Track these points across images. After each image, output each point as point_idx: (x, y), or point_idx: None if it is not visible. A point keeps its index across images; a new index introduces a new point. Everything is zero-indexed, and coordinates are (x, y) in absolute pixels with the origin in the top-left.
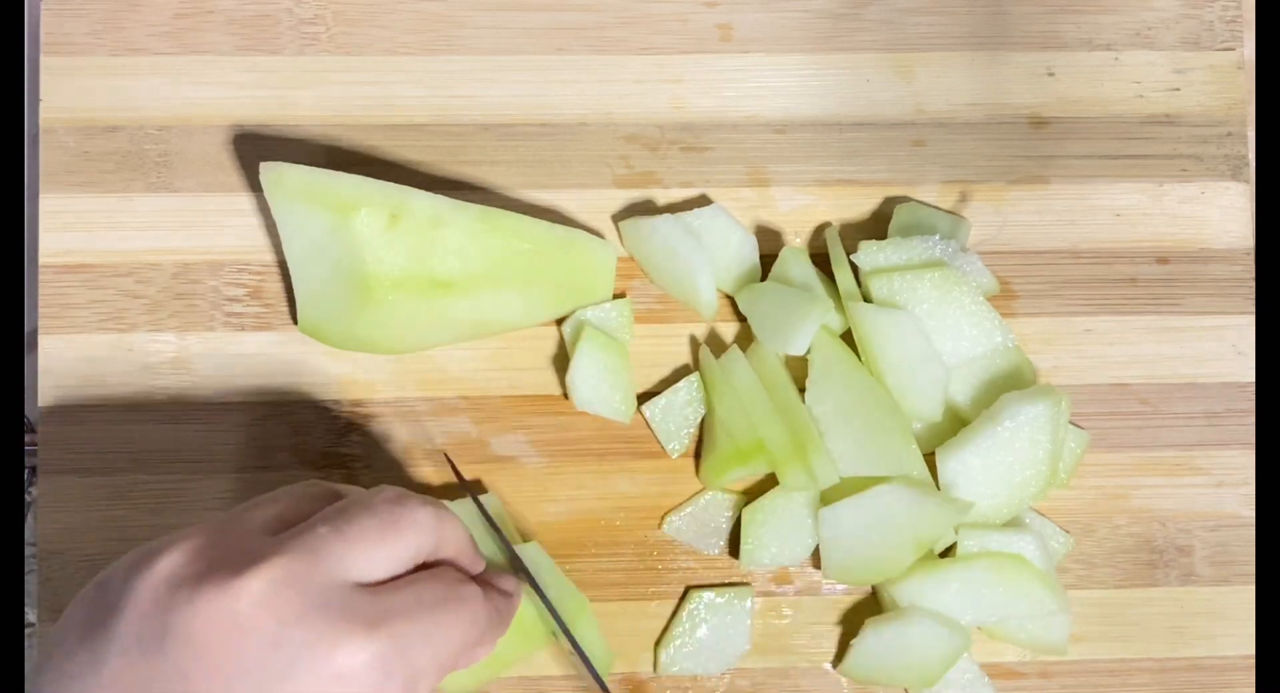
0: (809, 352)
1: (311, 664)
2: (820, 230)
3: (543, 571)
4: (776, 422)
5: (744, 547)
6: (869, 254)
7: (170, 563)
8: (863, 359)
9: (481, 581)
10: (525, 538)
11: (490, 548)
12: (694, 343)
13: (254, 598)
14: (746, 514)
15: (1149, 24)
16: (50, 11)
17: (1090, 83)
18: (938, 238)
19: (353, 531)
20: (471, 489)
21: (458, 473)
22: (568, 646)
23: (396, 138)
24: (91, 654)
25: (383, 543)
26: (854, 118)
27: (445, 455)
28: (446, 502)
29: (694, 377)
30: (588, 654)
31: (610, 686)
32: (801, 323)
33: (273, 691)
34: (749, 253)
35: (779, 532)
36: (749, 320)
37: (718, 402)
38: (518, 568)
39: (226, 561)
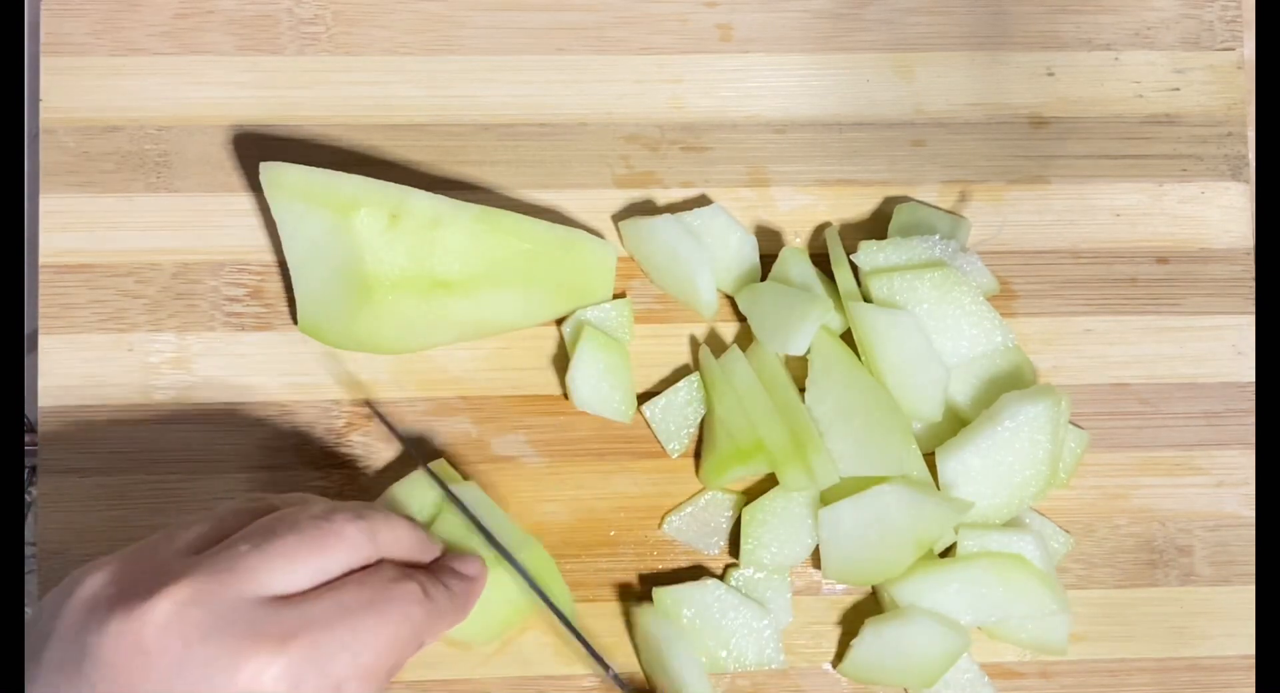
0: (809, 352)
1: (216, 683)
2: (820, 230)
3: (487, 511)
4: (776, 422)
5: (744, 547)
6: (869, 254)
7: (90, 587)
8: (863, 359)
9: (440, 566)
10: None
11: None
12: (694, 343)
13: (160, 621)
14: (746, 514)
15: (1149, 24)
16: (50, 11)
17: (1090, 83)
18: (938, 238)
19: (274, 547)
20: (409, 446)
21: (392, 429)
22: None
23: (396, 138)
24: (28, 680)
25: (306, 559)
26: (854, 118)
27: (375, 411)
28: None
29: (694, 377)
30: (548, 594)
31: (612, 685)
32: (801, 323)
33: None
34: (749, 253)
35: (779, 532)
36: (749, 320)
37: (718, 402)
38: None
39: (139, 583)
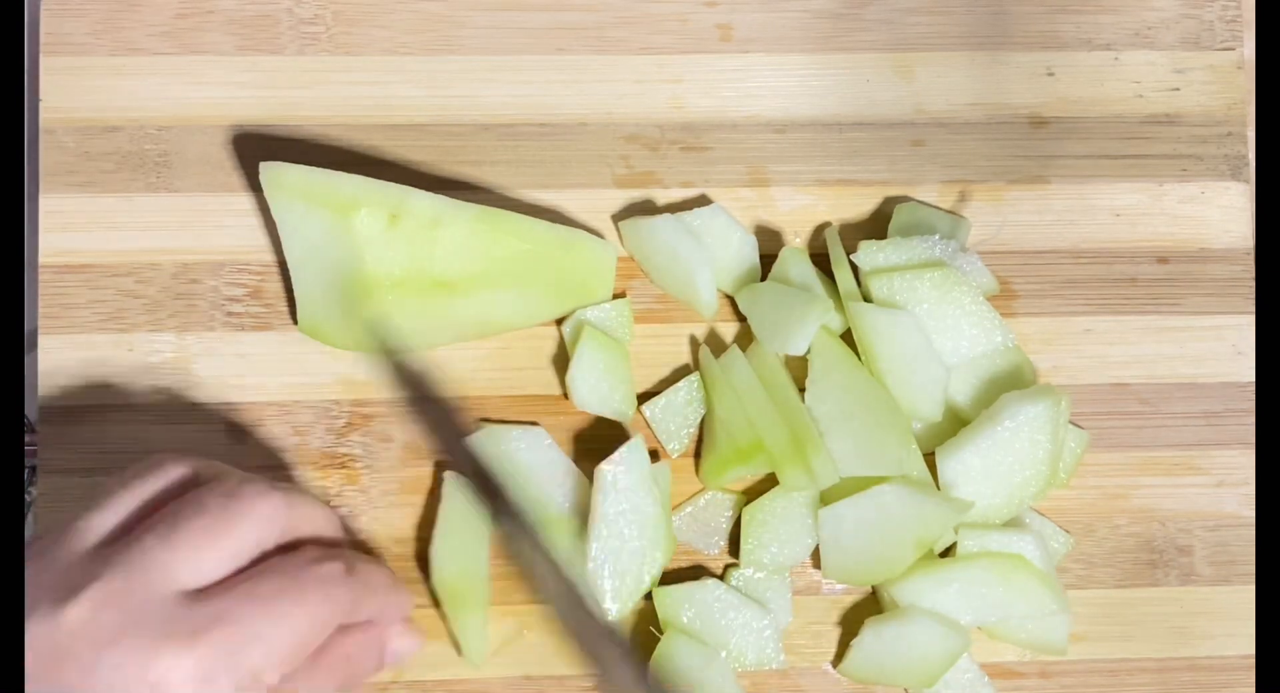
0: (809, 352)
1: (127, 685)
2: (820, 230)
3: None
4: (776, 422)
5: (744, 547)
6: (869, 254)
7: None
8: (863, 359)
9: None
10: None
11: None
12: (694, 343)
13: (72, 627)
14: (746, 514)
15: (1149, 24)
16: (50, 11)
17: (1090, 83)
18: (938, 238)
19: (179, 537)
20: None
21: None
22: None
23: (396, 138)
24: None
25: (213, 544)
26: (854, 118)
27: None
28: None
29: (694, 377)
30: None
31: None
32: (801, 323)
33: None
34: (749, 253)
35: (779, 532)
36: (749, 320)
37: (718, 402)
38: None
39: (52, 587)
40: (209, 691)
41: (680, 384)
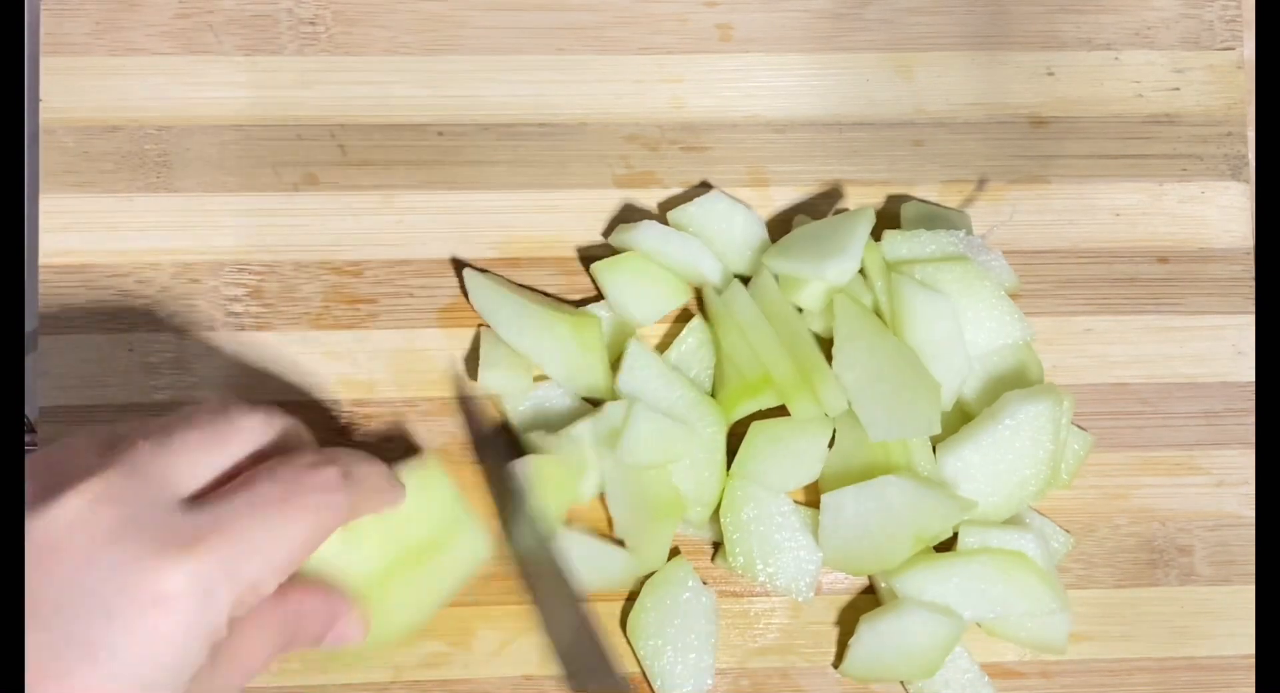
0: (834, 319)
1: (124, 586)
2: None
3: None
4: (781, 353)
5: (730, 557)
6: (893, 244)
7: None
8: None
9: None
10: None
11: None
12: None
13: (69, 518)
14: (725, 520)
15: (1149, 24)
16: (50, 11)
17: (1090, 83)
18: (963, 233)
19: (175, 443)
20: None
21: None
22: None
23: (396, 138)
24: None
25: (207, 453)
26: (854, 117)
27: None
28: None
29: (696, 321)
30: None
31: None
32: (851, 236)
33: (90, 613)
34: (756, 229)
35: (763, 545)
36: (785, 270)
37: (723, 337)
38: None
39: (50, 482)
40: (206, 602)
41: (685, 332)
